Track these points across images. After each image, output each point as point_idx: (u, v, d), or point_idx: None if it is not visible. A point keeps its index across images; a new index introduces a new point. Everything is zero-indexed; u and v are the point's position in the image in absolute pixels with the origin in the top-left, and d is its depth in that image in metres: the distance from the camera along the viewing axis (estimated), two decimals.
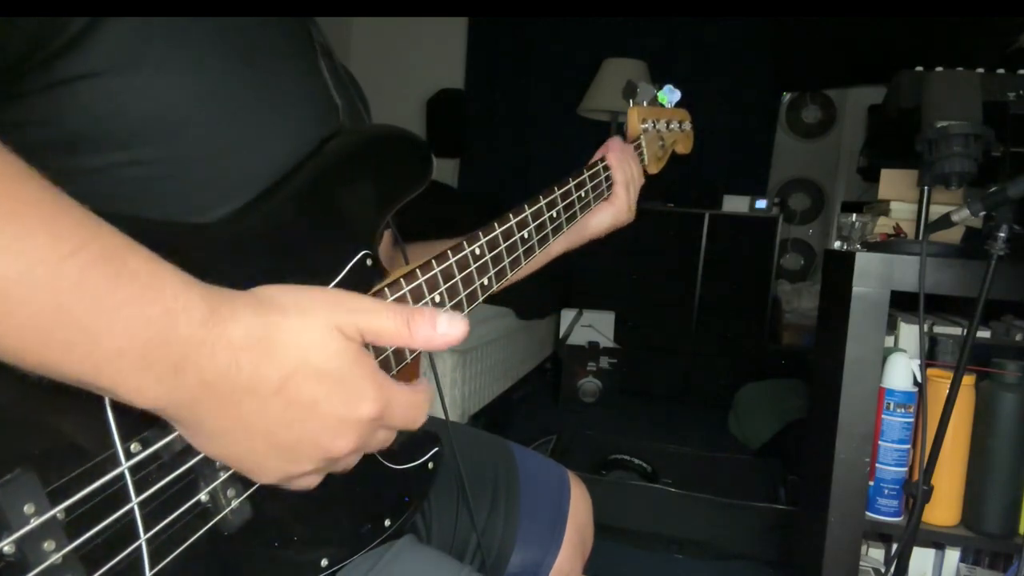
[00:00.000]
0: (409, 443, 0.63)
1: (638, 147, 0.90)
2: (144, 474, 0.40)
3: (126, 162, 0.45)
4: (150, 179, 0.46)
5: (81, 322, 0.33)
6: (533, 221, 0.72)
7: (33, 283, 0.31)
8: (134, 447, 0.39)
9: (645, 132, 0.92)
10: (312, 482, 0.43)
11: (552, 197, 0.75)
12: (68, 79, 0.42)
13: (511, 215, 0.69)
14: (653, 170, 0.95)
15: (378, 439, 0.45)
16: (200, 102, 0.47)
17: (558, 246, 0.80)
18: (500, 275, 0.68)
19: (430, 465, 0.64)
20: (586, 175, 0.81)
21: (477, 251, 0.64)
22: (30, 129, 0.43)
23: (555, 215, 0.76)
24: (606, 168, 0.83)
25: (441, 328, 0.42)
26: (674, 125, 0.97)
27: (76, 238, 0.33)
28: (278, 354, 0.38)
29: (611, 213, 0.85)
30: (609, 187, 0.84)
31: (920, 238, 1.13)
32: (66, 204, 0.34)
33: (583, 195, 0.80)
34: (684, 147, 1.01)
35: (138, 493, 0.39)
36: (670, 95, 0.94)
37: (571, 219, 0.79)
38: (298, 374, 0.39)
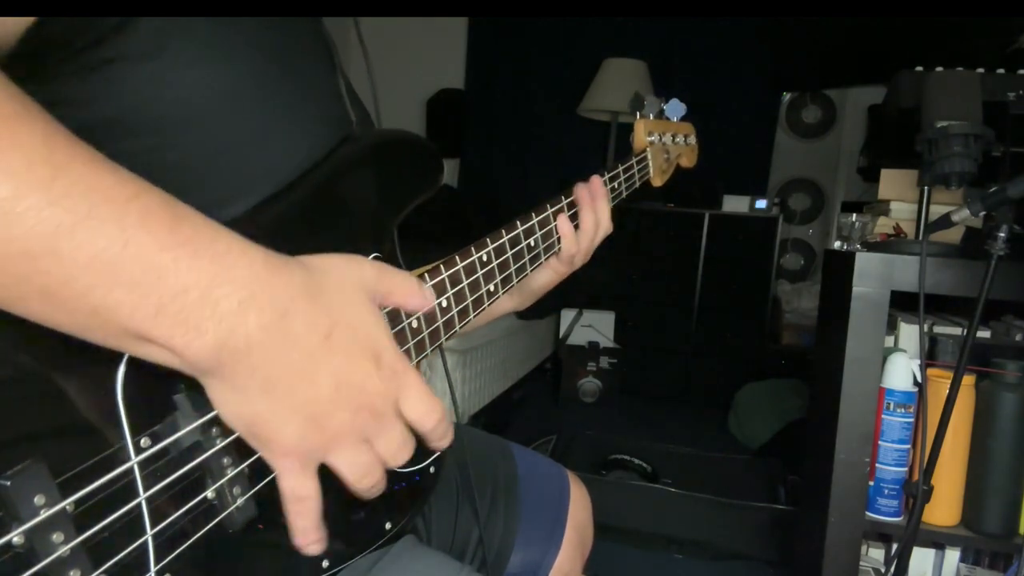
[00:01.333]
0: None
1: (643, 159, 0.90)
2: (153, 469, 0.40)
3: (153, 148, 0.46)
4: (174, 167, 0.47)
5: (147, 258, 0.34)
6: (540, 229, 0.72)
7: (101, 220, 0.33)
8: (144, 442, 0.39)
9: (651, 144, 0.92)
10: (308, 481, 0.42)
11: (559, 206, 0.75)
12: (102, 62, 0.43)
13: (518, 223, 0.69)
14: (658, 183, 0.95)
15: (395, 434, 0.43)
16: (227, 94, 0.48)
17: (507, 303, 0.79)
18: (506, 282, 0.68)
19: (432, 469, 0.64)
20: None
21: (484, 257, 0.64)
22: (63, 110, 0.43)
23: None
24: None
25: (428, 295, 0.49)
26: (679, 139, 0.98)
27: (136, 184, 0.35)
28: (324, 303, 0.40)
29: (549, 267, 0.78)
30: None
31: (920, 238, 1.13)
32: (115, 163, 0.35)
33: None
34: (688, 160, 1.02)
35: (146, 488, 0.39)
36: (676, 109, 0.95)
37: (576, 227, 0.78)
38: (341, 323, 0.40)
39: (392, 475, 0.60)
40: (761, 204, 3.02)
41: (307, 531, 0.43)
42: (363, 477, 0.43)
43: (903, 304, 1.17)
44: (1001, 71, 1.13)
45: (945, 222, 1.01)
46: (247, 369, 0.37)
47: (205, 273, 0.35)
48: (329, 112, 0.59)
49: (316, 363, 0.39)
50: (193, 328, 0.35)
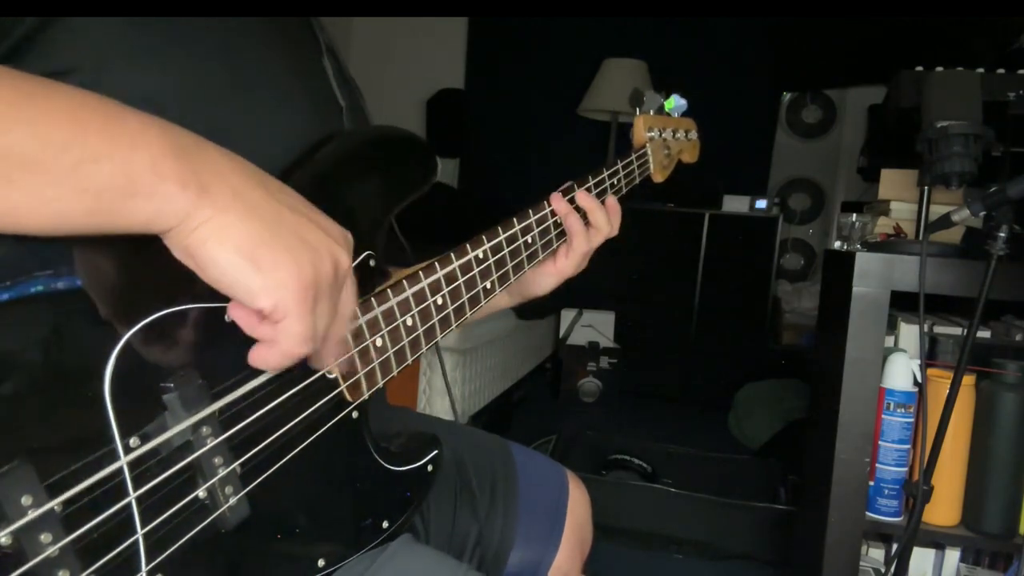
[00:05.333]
0: (409, 445, 0.63)
1: (643, 155, 0.90)
2: (143, 469, 0.40)
3: None
4: None
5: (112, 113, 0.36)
6: (537, 227, 0.72)
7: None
8: (133, 441, 0.39)
9: (651, 140, 0.91)
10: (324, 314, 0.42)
11: (569, 196, 0.75)
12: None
13: (515, 220, 0.69)
14: (659, 179, 0.94)
15: (333, 306, 0.44)
16: (177, 99, 0.47)
17: (503, 299, 0.77)
18: (503, 279, 0.67)
19: (429, 468, 0.64)
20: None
21: (480, 255, 0.64)
22: None
23: (558, 221, 0.75)
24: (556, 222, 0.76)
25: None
26: (680, 134, 0.97)
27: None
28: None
29: (554, 272, 0.78)
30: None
31: (920, 238, 1.13)
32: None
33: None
34: (690, 156, 1.01)
35: (136, 488, 0.39)
36: (677, 104, 0.94)
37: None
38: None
39: (390, 475, 0.60)
40: (761, 204, 3.02)
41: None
42: (311, 338, 0.42)
43: (903, 304, 1.17)
44: (1001, 71, 1.13)
45: (945, 222, 1.00)
46: (236, 191, 0.39)
47: (163, 134, 0.38)
48: (311, 108, 0.58)
49: (292, 201, 0.42)
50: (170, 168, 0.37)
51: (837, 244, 1.28)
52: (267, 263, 0.39)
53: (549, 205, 0.73)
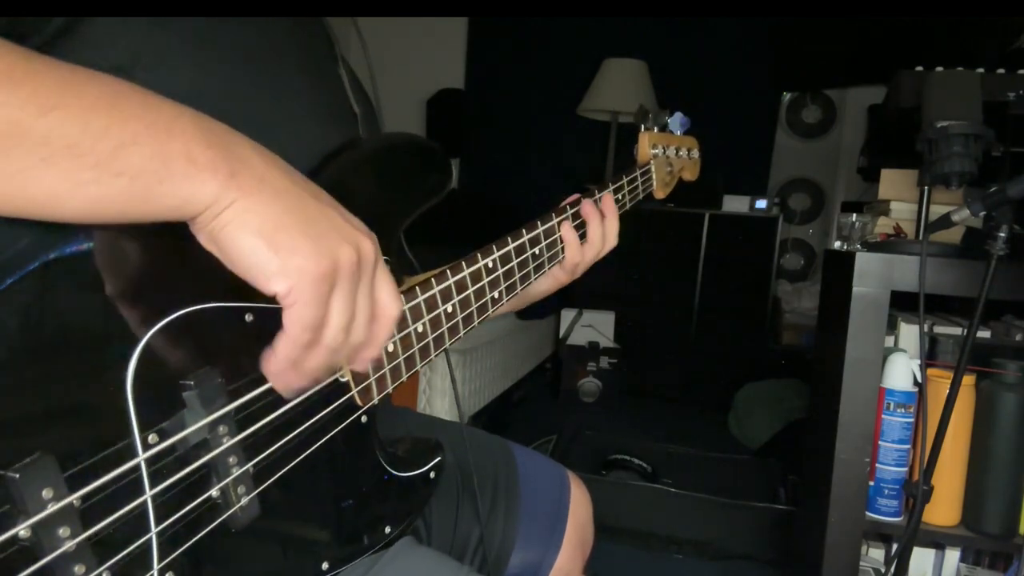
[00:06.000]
0: (413, 451, 0.64)
1: (647, 171, 0.91)
2: (160, 466, 0.40)
3: None
4: None
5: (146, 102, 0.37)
6: (545, 239, 0.72)
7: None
8: (152, 438, 0.39)
9: (655, 157, 0.92)
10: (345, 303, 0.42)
11: (565, 215, 0.75)
12: None
13: (524, 230, 0.69)
14: (660, 195, 0.96)
15: (368, 299, 0.44)
16: (199, 101, 0.47)
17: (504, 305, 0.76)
18: (510, 290, 0.68)
19: (432, 474, 0.64)
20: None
21: (490, 264, 0.65)
22: None
23: None
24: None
25: None
26: (683, 152, 0.99)
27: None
28: None
29: (550, 275, 0.78)
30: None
31: (920, 238, 1.13)
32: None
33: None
34: (691, 174, 1.03)
35: (153, 485, 0.39)
36: (680, 122, 0.96)
37: (582, 237, 0.78)
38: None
39: (393, 481, 0.60)
40: (761, 204, 3.02)
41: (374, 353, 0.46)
42: (347, 326, 0.43)
43: (903, 304, 1.17)
44: (1001, 71, 1.13)
45: (945, 222, 1.01)
46: (260, 174, 0.39)
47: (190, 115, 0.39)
48: (328, 115, 0.58)
49: (317, 191, 0.43)
50: (204, 141, 0.38)
51: (837, 244, 1.28)
52: (285, 247, 0.39)
53: (556, 217, 0.74)
